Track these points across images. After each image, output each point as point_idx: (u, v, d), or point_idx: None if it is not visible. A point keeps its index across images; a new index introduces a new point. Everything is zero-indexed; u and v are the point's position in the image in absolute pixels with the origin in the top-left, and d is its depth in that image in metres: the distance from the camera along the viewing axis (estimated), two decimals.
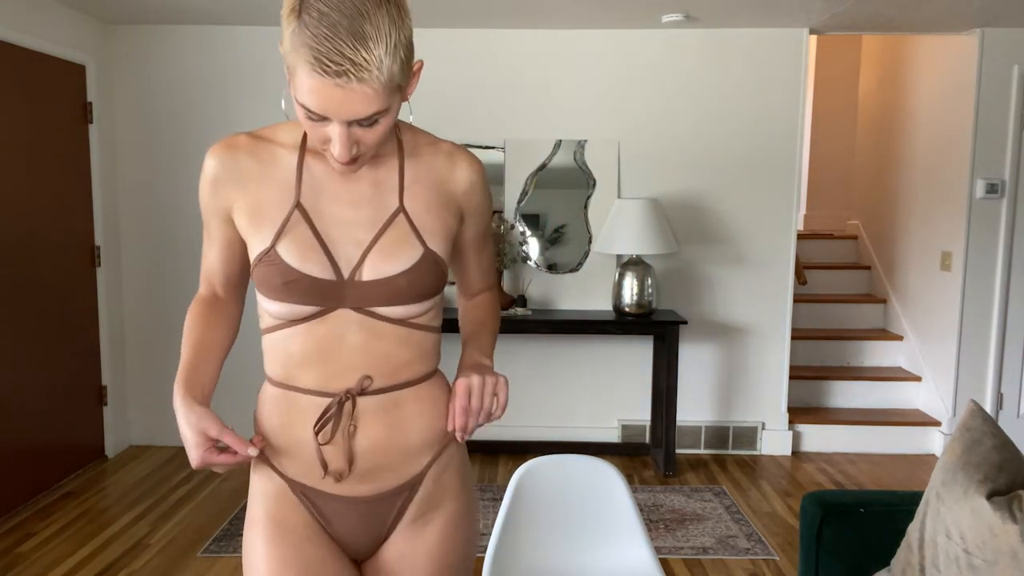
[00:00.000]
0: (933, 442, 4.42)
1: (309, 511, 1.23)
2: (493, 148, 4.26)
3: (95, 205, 4.06)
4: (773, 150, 4.24)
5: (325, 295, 1.15)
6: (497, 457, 4.27)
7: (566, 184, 4.27)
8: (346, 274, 1.16)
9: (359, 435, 1.19)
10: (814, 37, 4.98)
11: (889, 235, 5.15)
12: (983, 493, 1.47)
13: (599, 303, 4.34)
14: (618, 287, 4.02)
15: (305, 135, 1.18)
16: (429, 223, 1.21)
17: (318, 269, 1.15)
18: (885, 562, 1.75)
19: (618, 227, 3.93)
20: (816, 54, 6.01)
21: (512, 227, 4.26)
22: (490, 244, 1.41)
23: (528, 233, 4.30)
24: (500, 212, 4.27)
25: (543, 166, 4.27)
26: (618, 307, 4.03)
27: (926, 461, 4.31)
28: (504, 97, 4.24)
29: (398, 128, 1.24)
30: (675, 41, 4.21)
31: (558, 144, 4.26)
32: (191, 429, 1.12)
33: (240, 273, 1.29)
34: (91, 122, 4.02)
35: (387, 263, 1.17)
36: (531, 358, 4.39)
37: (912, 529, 1.62)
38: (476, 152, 4.22)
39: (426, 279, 1.19)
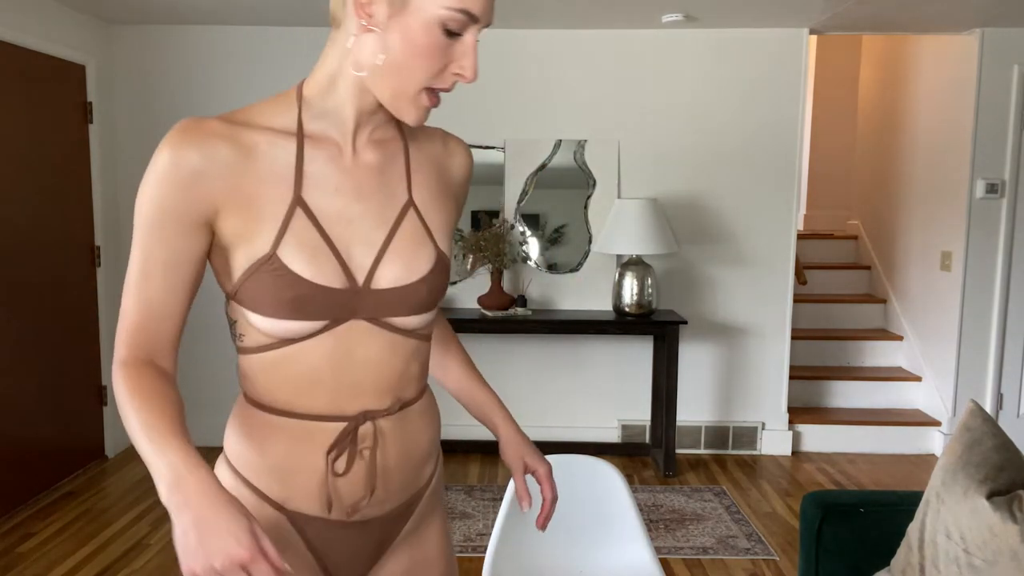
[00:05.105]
0: (933, 442, 4.42)
1: (305, 546, 1.07)
2: (493, 148, 4.26)
3: (95, 205, 4.06)
4: (773, 150, 4.24)
5: (337, 307, 0.99)
6: (497, 457, 4.27)
7: (566, 184, 4.27)
8: (360, 280, 1.01)
9: (378, 458, 1.05)
10: (814, 37, 4.98)
11: (889, 235, 5.15)
12: (983, 493, 1.47)
13: (599, 303, 4.34)
14: (618, 287, 4.02)
15: (300, 118, 1.01)
16: (436, 218, 1.09)
17: (330, 277, 0.98)
18: (885, 562, 1.75)
19: (618, 227, 3.93)
20: (816, 54, 6.00)
21: (512, 227, 4.26)
22: None
23: (528, 233, 4.30)
24: (500, 212, 4.28)
25: (543, 166, 4.27)
26: (618, 307, 4.03)
27: (926, 461, 4.31)
28: (504, 97, 4.24)
29: None
30: (675, 41, 4.20)
31: (558, 144, 4.26)
32: (238, 513, 0.83)
33: (185, 317, 1.01)
34: (91, 122, 4.02)
35: (406, 268, 1.03)
36: (531, 358, 4.39)
37: (912, 529, 1.62)
38: (476, 152, 4.22)
39: (441, 284, 1.07)
